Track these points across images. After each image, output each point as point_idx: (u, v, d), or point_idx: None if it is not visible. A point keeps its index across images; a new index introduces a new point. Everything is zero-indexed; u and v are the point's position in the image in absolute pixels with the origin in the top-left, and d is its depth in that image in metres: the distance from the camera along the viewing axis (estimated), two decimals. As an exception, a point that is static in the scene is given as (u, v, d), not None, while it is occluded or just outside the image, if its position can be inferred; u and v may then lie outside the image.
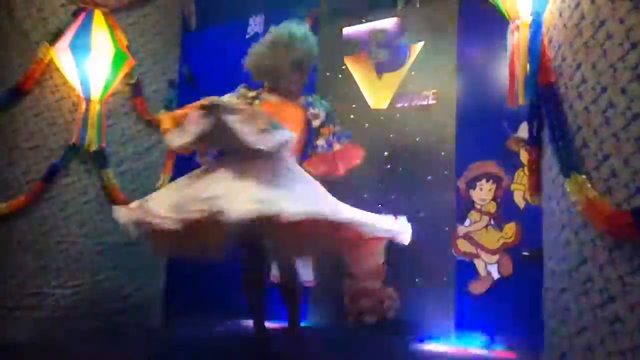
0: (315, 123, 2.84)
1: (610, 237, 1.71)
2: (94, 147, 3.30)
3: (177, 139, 2.51)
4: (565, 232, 1.91)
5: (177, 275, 3.81)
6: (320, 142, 2.83)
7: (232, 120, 2.36)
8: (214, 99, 2.50)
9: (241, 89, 2.91)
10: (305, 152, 2.87)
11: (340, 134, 2.87)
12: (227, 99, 2.79)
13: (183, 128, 2.52)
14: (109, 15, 3.39)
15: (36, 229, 3.27)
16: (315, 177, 2.71)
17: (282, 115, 2.80)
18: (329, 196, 2.57)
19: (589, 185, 1.76)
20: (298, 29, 2.86)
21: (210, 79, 4.53)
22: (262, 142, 2.37)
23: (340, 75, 4.10)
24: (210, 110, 2.41)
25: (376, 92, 3.96)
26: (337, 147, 2.82)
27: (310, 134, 2.87)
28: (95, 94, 3.29)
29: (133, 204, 2.55)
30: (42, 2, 3.37)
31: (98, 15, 3.34)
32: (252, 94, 2.92)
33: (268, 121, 2.47)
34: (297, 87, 2.89)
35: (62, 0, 3.37)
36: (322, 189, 2.59)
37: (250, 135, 2.38)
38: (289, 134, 2.52)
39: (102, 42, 3.27)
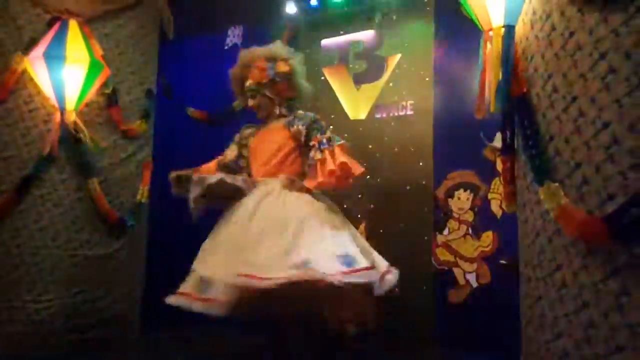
0: (302, 139, 2.82)
1: (583, 243, 1.74)
2: (95, 147, 3.29)
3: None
4: (540, 239, 1.94)
5: (155, 288, 3.75)
6: (311, 154, 2.77)
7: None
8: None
9: (238, 133, 3.04)
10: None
11: (324, 143, 2.73)
12: (227, 149, 3.03)
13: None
14: (84, 25, 3.36)
15: (9, 241, 3.19)
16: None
17: (264, 143, 2.88)
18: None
19: (562, 192, 1.79)
20: (253, 52, 2.92)
21: (188, 89, 4.52)
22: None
23: (318, 86, 4.11)
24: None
25: (354, 103, 3.99)
26: (318, 156, 2.71)
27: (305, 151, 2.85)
28: (70, 104, 3.25)
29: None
30: (17, 11, 3.32)
31: (73, 25, 3.30)
32: (248, 132, 3.02)
33: (186, 180, 2.70)
34: (266, 108, 2.90)
35: (37, 10, 3.33)
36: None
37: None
38: (206, 178, 2.64)
39: (77, 52, 3.22)
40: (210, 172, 2.89)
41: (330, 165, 2.60)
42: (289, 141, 2.82)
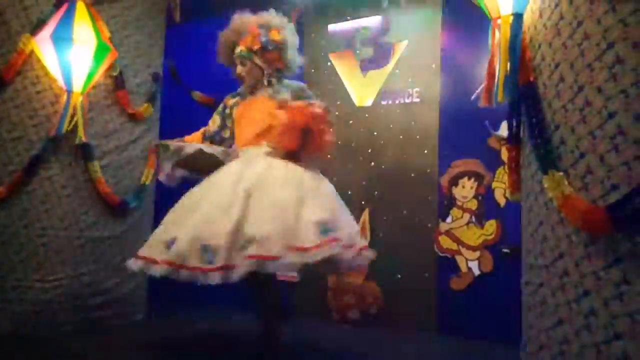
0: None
1: (586, 232, 1.75)
2: (78, 140, 3.26)
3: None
4: (543, 227, 1.95)
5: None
6: None
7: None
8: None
9: (222, 103, 3.00)
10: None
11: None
12: (213, 117, 2.99)
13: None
14: (92, 7, 3.35)
15: (17, 222, 3.22)
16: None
17: (252, 112, 2.82)
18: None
19: (566, 182, 1.80)
20: (246, 19, 2.86)
21: (194, 72, 4.52)
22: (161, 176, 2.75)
23: (325, 72, 4.11)
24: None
25: (361, 89, 3.99)
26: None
27: None
28: (77, 86, 3.25)
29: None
30: (24, -8, 3.32)
31: (80, 7, 3.29)
32: (232, 102, 2.98)
33: (162, 149, 2.78)
34: (254, 77, 2.83)
35: (45, -9, 3.33)
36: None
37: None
38: (184, 148, 2.75)
39: (84, 34, 3.22)
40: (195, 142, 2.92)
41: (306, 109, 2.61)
42: (275, 112, 2.73)
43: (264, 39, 2.79)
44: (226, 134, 2.97)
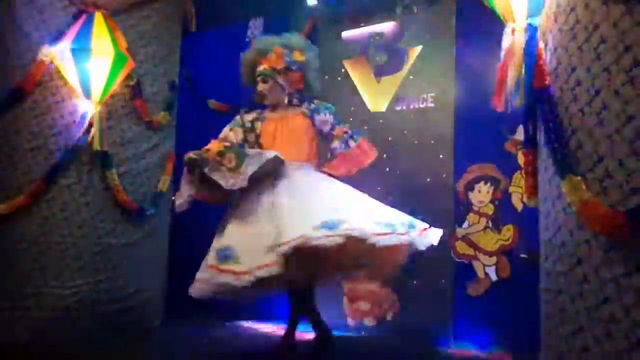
0: (326, 128, 2.93)
1: (605, 238, 1.73)
2: (97, 148, 3.31)
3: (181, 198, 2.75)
4: (561, 233, 1.93)
5: (178, 276, 3.82)
6: (335, 143, 2.93)
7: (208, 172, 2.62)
8: (188, 155, 2.70)
9: (238, 117, 3.02)
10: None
11: (354, 132, 2.96)
12: (226, 130, 2.95)
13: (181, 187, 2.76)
14: (109, 18, 3.41)
15: (36, 229, 3.28)
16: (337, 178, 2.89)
17: (285, 129, 2.89)
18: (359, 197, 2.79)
19: (584, 186, 1.78)
20: (271, 39, 2.96)
21: (209, 81, 4.57)
22: (234, 182, 2.59)
23: (339, 78, 4.11)
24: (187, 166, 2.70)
25: (375, 95, 3.98)
26: (353, 144, 2.92)
27: (322, 139, 2.98)
28: (95, 95, 3.31)
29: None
30: (44, 4, 3.39)
31: (98, 18, 3.36)
32: (250, 117, 2.98)
33: (236, 154, 2.64)
34: (275, 95, 2.91)
35: (64, 2, 3.39)
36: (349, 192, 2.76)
37: (222, 179, 2.58)
38: (264, 153, 2.68)
39: (102, 44, 3.28)
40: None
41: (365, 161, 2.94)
42: (310, 129, 2.90)
43: (288, 58, 2.88)
44: (247, 147, 2.98)
